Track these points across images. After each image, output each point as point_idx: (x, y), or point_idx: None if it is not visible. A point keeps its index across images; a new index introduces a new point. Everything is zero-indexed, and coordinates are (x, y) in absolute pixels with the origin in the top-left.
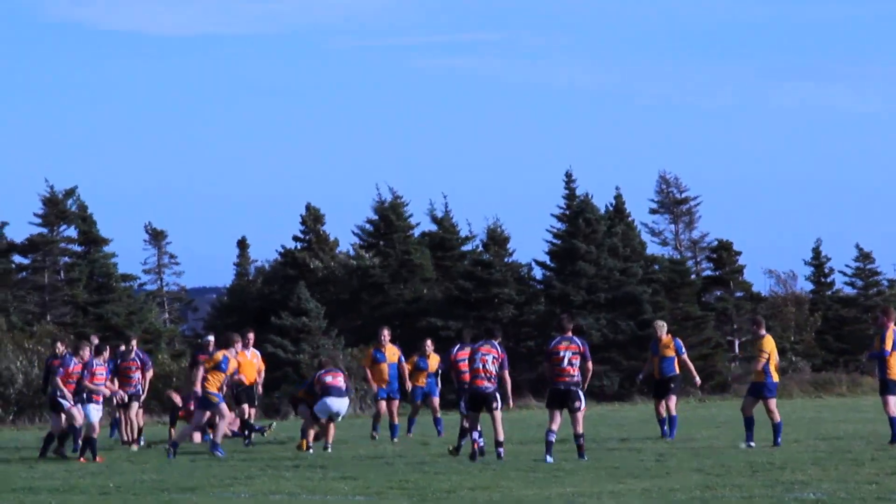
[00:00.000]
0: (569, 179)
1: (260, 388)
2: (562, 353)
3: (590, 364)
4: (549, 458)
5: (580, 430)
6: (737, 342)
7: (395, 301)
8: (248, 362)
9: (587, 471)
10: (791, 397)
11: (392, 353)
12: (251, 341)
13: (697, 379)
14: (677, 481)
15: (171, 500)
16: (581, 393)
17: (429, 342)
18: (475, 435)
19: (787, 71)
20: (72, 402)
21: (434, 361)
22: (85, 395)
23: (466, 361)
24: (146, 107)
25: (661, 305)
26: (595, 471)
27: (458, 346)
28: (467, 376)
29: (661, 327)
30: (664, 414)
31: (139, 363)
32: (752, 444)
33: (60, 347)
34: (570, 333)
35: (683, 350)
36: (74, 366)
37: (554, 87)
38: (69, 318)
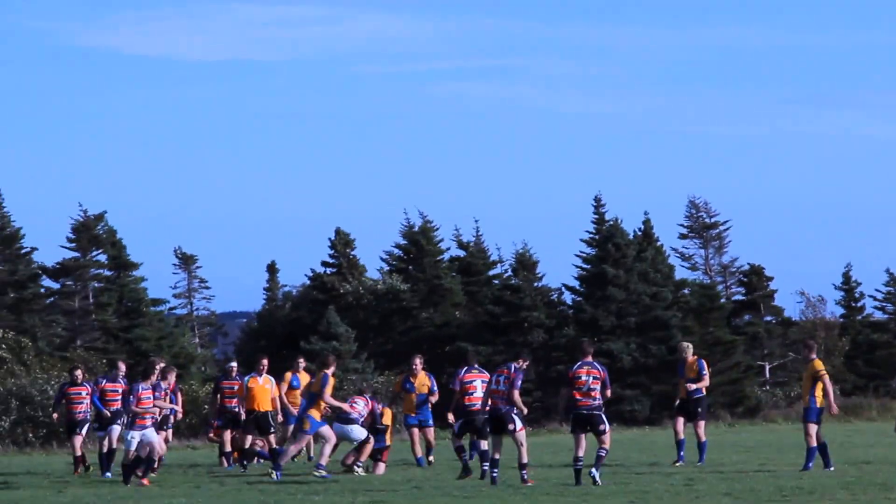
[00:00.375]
0: (598, 204)
1: (280, 416)
2: (583, 378)
3: (608, 392)
4: (580, 486)
5: (606, 445)
6: (767, 367)
7: (424, 325)
8: (261, 388)
9: (616, 495)
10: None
11: (422, 383)
12: (264, 368)
13: (691, 385)
14: None
15: None
16: (604, 416)
17: (417, 360)
18: (466, 456)
19: (816, 98)
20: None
21: (422, 382)
22: (130, 420)
23: (471, 384)
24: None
25: (691, 330)
26: (625, 495)
27: (464, 368)
28: (469, 399)
29: (687, 349)
30: (682, 436)
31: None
32: (832, 468)
33: (79, 374)
34: (590, 358)
35: (705, 371)
36: (143, 391)
37: (583, 112)
38: (99, 343)
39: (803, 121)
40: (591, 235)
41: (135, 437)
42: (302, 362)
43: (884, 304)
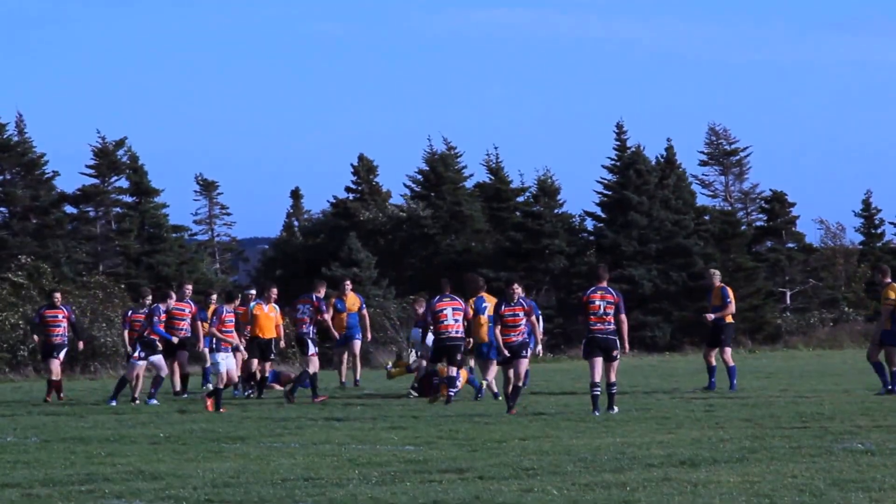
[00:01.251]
0: (619, 131)
1: (282, 343)
2: (597, 303)
3: (622, 316)
4: (597, 413)
5: (612, 378)
6: (788, 293)
7: (445, 252)
8: (265, 316)
9: (637, 421)
10: (842, 348)
11: (353, 301)
12: (272, 296)
13: (710, 316)
14: (727, 431)
15: (220, 449)
16: (618, 342)
17: (347, 282)
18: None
19: (839, 24)
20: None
21: (353, 302)
22: (215, 343)
23: (441, 312)
24: (198, 58)
25: (713, 257)
26: (645, 421)
27: (436, 297)
28: (441, 326)
29: (713, 275)
30: (714, 363)
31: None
32: (891, 387)
33: (57, 297)
34: (605, 283)
35: (729, 298)
36: (227, 313)
37: (607, 40)
38: (121, 269)
39: (825, 48)
40: (613, 162)
41: (222, 359)
42: (349, 284)
43: None
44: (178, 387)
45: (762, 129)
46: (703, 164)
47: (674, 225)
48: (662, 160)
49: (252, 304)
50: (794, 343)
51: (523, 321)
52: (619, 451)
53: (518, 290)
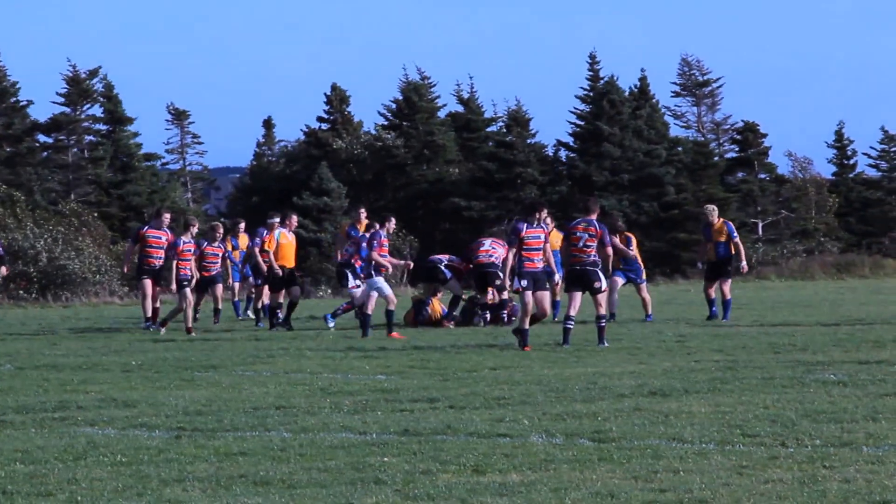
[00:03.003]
0: (593, 61)
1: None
2: (578, 234)
3: (608, 249)
4: (565, 345)
5: (602, 311)
6: (760, 224)
7: (417, 182)
8: (290, 244)
9: (608, 351)
10: (814, 279)
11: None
12: (293, 224)
13: (745, 264)
14: (698, 362)
15: (192, 377)
16: (600, 273)
17: (362, 209)
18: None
19: None
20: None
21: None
22: (373, 270)
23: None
24: None
25: (685, 187)
26: (616, 351)
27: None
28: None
29: (713, 212)
30: (714, 295)
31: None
32: None
33: (193, 230)
34: (593, 217)
35: (735, 233)
36: (384, 238)
37: None
38: (93, 198)
39: None
40: (586, 92)
41: (382, 282)
42: (363, 211)
43: (878, 161)
44: (149, 313)
45: (735, 59)
46: (675, 94)
47: (646, 155)
48: (636, 91)
49: (277, 231)
50: (765, 274)
51: (545, 245)
52: (590, 381)
53: (543, 213)
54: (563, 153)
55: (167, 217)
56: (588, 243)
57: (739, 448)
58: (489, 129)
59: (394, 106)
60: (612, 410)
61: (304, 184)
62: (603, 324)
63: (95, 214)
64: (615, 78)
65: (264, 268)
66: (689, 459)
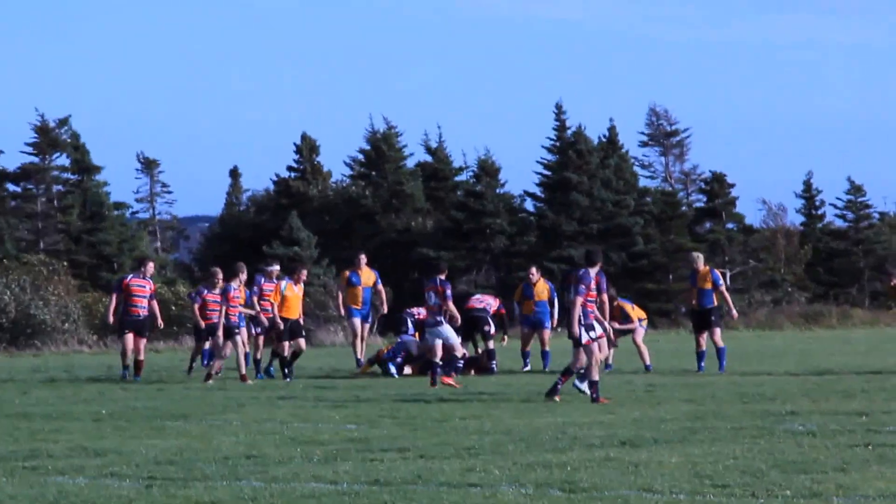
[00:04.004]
0: (559, 111)
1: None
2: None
3: (604, 296)
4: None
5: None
6: (728, 273)
7: (386, 231)
8: (295, 296)
9: (577, 402)
10: (782, 329)
11: (368, 276)
12: (302, 277)
13: (734, 311)
14: (667, 411)
15: (162, 426)
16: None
17: (362, 255)
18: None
19: (780, 3)
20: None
21: (368, 276)
22: (444, 318)
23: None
24: (138, 36)
25: (653, 237)
26: (585, 401)
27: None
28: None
29: (698, 259)
30: (703, 346)
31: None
32: None
33: (243, 277)
34: (592, 269)
35: (721, 281)
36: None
37: (545, 18)
38: (62, 246)
39: (765, 28)
40: (553, 142)
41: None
42: (363, 258)
43: (844, 212)
44: (128, 362)
45: (703, 109)
46: (643, 144)
47: (615, 205)
48: (605, 140)
49: (283, 284)
50: (734, 324)
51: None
52: (560, 431)
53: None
54: (530, 203)
55: (150, 266)
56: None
57: (710, 499)
58: (458, 179)
59: (362, 156)
60: (582, 460)
61: (273, 233)
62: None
63: (65, 263)
64: (583, 127)
65: (264, 318)
66: None
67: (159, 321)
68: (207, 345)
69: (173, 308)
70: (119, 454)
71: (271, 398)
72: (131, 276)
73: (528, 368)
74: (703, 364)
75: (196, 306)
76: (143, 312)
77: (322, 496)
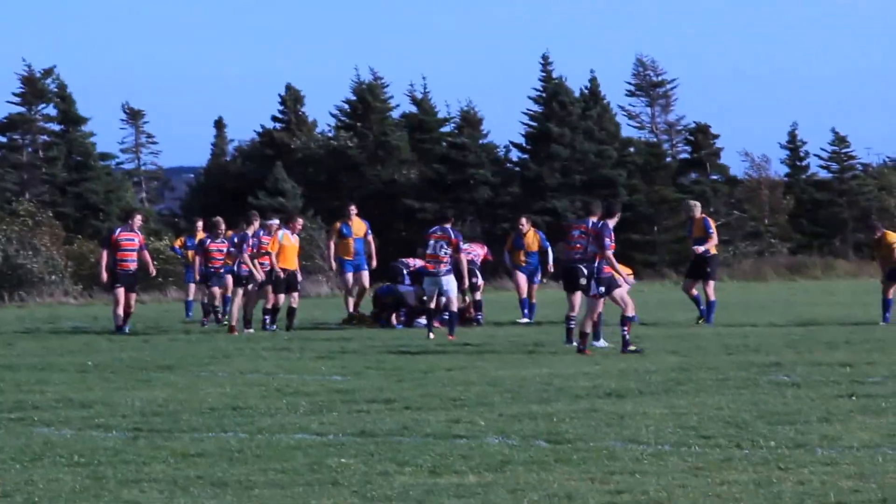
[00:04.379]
0: (545, 62)
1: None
2: (573, 233)
3: (607, 252)
4: (567, 344)
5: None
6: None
7: (371, 182)
8: (292, 247)
9: (563, 353)
10: (766, 280)
11: (358, 227)
12: (297, 227)
13: (699, 249)
14: (653, 363)
15: (148, 378)
16: (584, 269)
17: (352, 206)
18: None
19: None
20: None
21: (358, 227)
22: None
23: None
24: None
25: (637, 188)
26: (570, 353)
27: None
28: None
29: (694, 207)
30: (696, 293)
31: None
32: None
33: (274, 222)
34: (593, 218)
35: (711, 229)
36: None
37: None
38: (47, 197)
39: None
40: (538, 93)
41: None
42: (354, 209)
43: (829, 163)
44: (119, 321)
45: (689, 61)
46: (630, 94)
47: (597, 156)
48: (587, 92)
49: (280, 233)
50: (718, 275)
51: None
52: (546, 383)
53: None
54: (514, 154)
55: (138, 218)
56: (580, 240)
57: (695, 450)
58: (442, 130)
59: (347, 107)
60: (567, 412)
61: (259, 184)
62: (572, 325)
63: (51, 214)
64: (564, 79)
65: (259, 272)
66: (645, 461)
67: (152, 270)
68: (191, 295)
69: (156, 262)
70: (105, 405)
71: (256, 350)
72: (119, 229)
73: (526, 320)
74: (703, 308)
75: (194, 254)
76: (133, 266)
77: (308, 447)
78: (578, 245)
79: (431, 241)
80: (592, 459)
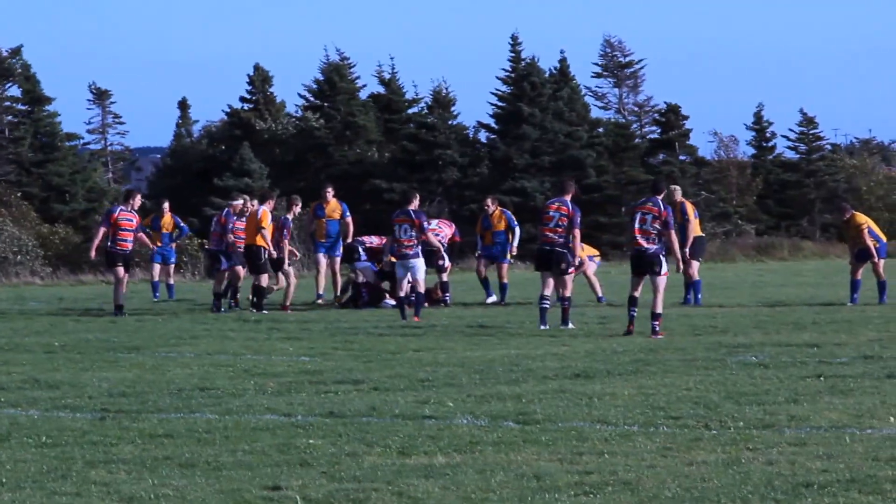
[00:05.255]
0: (514, 42)
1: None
2: (551, 214)
3: (576, 231)
4: (542, 326)
5: (565, 293)
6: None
7: (339, 163)
8: (269, 226)
9: (531, 334)
10: (734, 261)
11: (333, 209)
12: (271, 205)
13: (685, 248)
14: (620, 344)
15: (115, 358)
16: (568, 255)
17: (329, 188)
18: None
19: None
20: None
21: (333, 208)
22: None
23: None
24: None
25: (606, 169)
26: (538, 333)
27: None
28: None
29: (676, 191)
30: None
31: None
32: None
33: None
34: (567, 197)
35: (688, 214)
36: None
37: None
38: (13, 178)
39: None
40: (508, 74)
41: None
42: (331, 191)
43: (796, 143)
44: (121, 300)
45: (657, 41)
46: (597, 75)
47: (567, 137)
48: (556, 72)
49: (260, 210)
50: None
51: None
52: (514, 364)
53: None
54: (483, 135)
55: (138, 199)
56: (560, 223)
57: (663, 430)
58: (411, 111)
59: (315, 87)
60: (536, 392)
61: (225, 164)
62: (566, 304)
63: (19, 194)
64: (536, 59)
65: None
66: (614, 441)
67: (153, 247)
68: (156, 276)
69: None
70: (72, 386)
71: (223, 330)
72: (119, 208)
73: (493, 299)
74: (689, 295)
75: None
76: (131, 247)
77: (276, 428)
78: (560, 229)
79: (396, 226)
80: (561, 440)
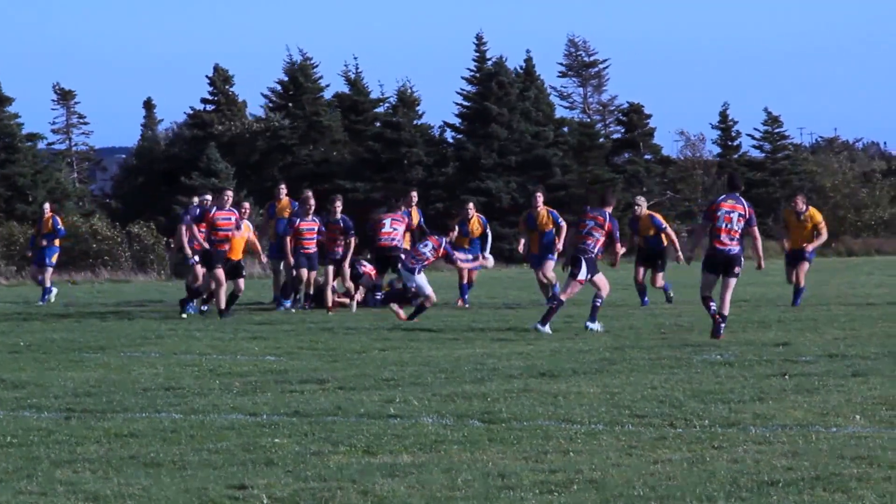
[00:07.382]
0: (479, 42)
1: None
2: (586, 222)
3: (618, 246)
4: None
5: (600, 293)
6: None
7: (303, 162)
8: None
9: (496, 333)
10: (698, 260)
11: (284, 207)
12: (246, 212)
13: (681, 254)
14: (586, 342)
15: (81, 358)
16: (582, 260)
17: (308, 192)
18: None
19: None
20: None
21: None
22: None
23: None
24: None
25: (571, 169)
26: (504, 332)
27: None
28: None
29: (641, 204)
30: (643, 283)
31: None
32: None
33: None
34: (606, 208)
35: (663, 225)
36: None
37: None
38: None
39: None
40: (473, 73)
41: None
42: (283, 189)
43: (761, 142)
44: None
45: (621, 40)
46: (562, 75)
47: (533, 137)
48: (522, 72)
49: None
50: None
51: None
52: (479, 363)
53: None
54: (449, 134)
55: (229, 196)
56: (592, 232)
57: (628, 429)
58: (377, 111)
59: (279, 87)
60: (501, 391)
61: (190, 164)
62: (598, 303)
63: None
64: (504, 59)
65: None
66: (579, 440)
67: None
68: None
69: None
70: (37, 386)
71: (189, 330)
72: (215, 208)
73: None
74: (647, 299)
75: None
76: (228, 247)
77: (242, 428)
78: (590, 237)
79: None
80: (526, 439)
